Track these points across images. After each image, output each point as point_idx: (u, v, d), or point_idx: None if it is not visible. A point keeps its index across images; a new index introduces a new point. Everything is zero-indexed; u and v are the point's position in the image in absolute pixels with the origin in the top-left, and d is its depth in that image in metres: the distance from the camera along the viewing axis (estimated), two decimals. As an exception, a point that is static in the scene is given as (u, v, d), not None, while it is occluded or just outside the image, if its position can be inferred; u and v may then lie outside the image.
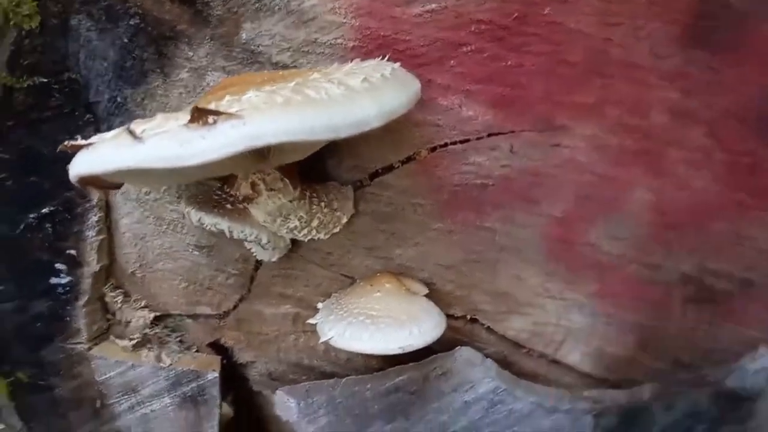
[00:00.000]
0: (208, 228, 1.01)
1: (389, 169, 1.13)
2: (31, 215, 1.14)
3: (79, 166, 0.76)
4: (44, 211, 1.13)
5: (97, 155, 0.73)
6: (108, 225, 1.18)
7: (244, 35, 1.03)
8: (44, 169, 1.11)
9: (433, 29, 1.02)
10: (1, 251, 1.16)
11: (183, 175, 0.91)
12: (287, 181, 0.96)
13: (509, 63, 1.05)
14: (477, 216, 1.15)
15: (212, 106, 0.71)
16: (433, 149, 1.11)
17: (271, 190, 0.95)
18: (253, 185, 0.95)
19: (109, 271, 1.23)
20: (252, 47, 1.03)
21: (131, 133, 0.70)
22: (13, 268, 1.17)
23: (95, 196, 1.14)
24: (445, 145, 1.10)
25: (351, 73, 0.81)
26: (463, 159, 1.11)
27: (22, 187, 1.12)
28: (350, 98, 0.76)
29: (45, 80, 1.05)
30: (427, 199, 1.14)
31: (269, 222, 1.00)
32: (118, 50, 1.04)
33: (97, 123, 1.09)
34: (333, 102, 0.74)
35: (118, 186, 0.96)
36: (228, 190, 1.04)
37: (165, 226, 1.18)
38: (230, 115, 0.69)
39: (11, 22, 1.00)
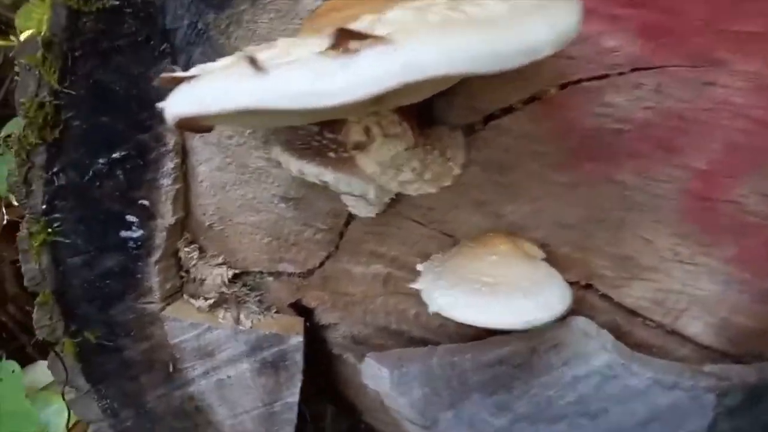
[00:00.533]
0: (308, 179, 0.87)
1: (508, 110, 0.97)
2: (101, 160, 1.01)
3: (182, 105, 0.61)
4: (115, 155, 1.01)
5: (206, 91, 0.59)
6: (184, 172, 1.05)
7: (350, -52, 0.86)
8: (116, 107, 0.97)
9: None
10: (69, 201, 1.04)
11: (299, 117, 0.76)
12: (406, 125, 0.80)
13: (666, -17, 0.87)
14: (608, 167, 0.99)
15: (353, 27, 0.55)
16: (564, 86, 0.94)
17: (387, 136, 0.81)
18: (367, 130, 0.80)
19: (184, 225, 1.10)
20: (358, -37, 0.87)
21: (252, 62, 0.55)
22: (82, 219, 1.05)
23: (171, 139, 1.00)
24: (579, 81, 0.93)
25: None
26: (599, 99, 0.94)
27: (92, 129, 0.99)
28: (519, 18, 0.60)
29: (116, 2, 0.90)
30: (551, 146, 0.98)
31: (378, 174, 0.86)
32: (200, -33, 0.88)
33: (175, 54, 0.94)
34: (500, 23, 0.58)
35: (211, 128, 0.82)
36: (330, 135, 0.89)
37: (249, 175, 1.05)
38: (378, 40, 0.54)
39: (81, -67, 0.85)
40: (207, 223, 1.10)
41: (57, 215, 1.05)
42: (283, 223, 1.09)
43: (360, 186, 0.86)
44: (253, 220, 1.09)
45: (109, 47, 0.93)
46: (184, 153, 1.03)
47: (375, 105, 0.78)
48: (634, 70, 0.92)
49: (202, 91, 0.59)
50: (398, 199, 1.05)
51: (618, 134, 0.97)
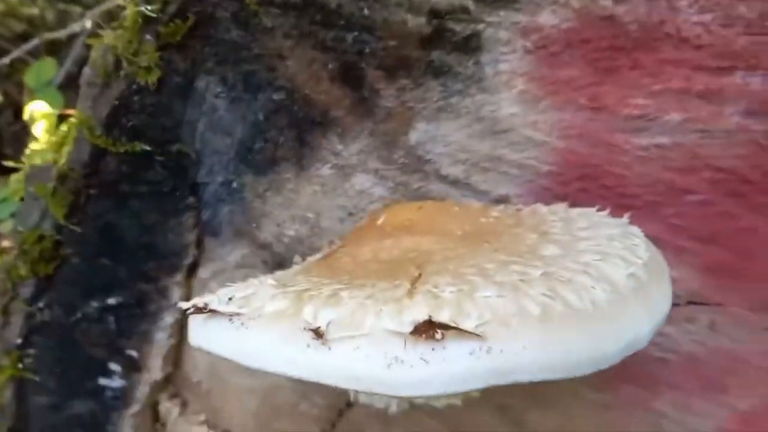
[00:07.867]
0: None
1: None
2: (94, 303, 0.90)
3: (222, 347, 0.53)
4: (110, 301, 0.90)
5: (256, 344, 0.50)
6: (182, 325, 0.95)
7: (413, 137, 0.80)
8: (122, 252, 0.87)
9: (658, 168, 0.79)
10: (49, 339, 0.92)
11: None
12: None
13: (741, 224, 0.82)
14: (646, 394, 0.91)
15: (436, 315, 0.47)
16: (616, 310, 0.87)
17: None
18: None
19: (170, 377, 0.99)
20: (420, 153, 0.80)
21: (316, 333, 0.47)
22: (59, 360, 0.93)
23: (177, 294, 0.90)
24: (631, 307, 0.87)
25: (605, 255, 0.58)
26: (650, 328, 0.87)
27: (91, 270, 0.89)
28: (620, 308, 0.52)
29: (148, 148, 0.82)
30: (590, 366, 0.90)
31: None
32: (248, 127, 0.81)
33: (199, 209, 0.85)
34: (600, 315, 0.51)
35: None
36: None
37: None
38: (467, 335, 0.46)
39: (122, 72, 0.77)
40: (195, 379, 0.98)
41: (32, 351, 0.93)
42: (278, 391, 0.98)
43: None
44: (247, 383, 0.98)
45: (129, 191, 0.84)
46: (187, 306, 0.93)
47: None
48: (690, 303, 0.86)
49: (250, 342, 0.50)
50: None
51: (662, 364, 0.89)
